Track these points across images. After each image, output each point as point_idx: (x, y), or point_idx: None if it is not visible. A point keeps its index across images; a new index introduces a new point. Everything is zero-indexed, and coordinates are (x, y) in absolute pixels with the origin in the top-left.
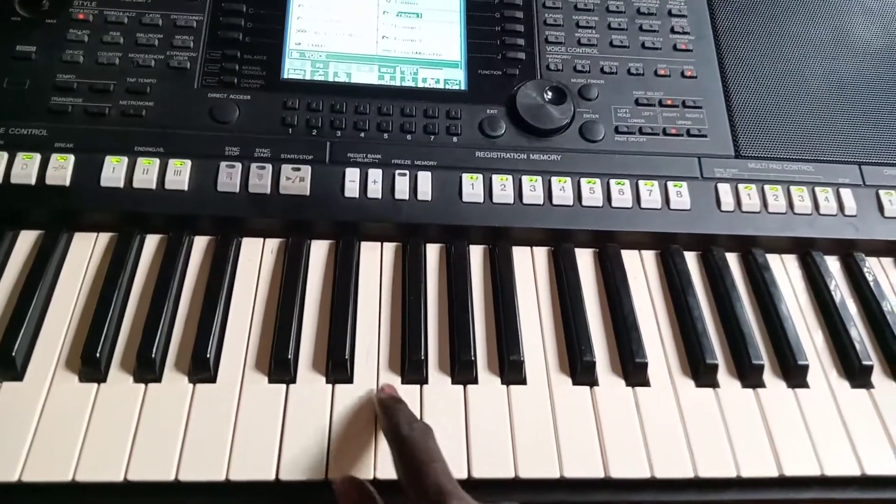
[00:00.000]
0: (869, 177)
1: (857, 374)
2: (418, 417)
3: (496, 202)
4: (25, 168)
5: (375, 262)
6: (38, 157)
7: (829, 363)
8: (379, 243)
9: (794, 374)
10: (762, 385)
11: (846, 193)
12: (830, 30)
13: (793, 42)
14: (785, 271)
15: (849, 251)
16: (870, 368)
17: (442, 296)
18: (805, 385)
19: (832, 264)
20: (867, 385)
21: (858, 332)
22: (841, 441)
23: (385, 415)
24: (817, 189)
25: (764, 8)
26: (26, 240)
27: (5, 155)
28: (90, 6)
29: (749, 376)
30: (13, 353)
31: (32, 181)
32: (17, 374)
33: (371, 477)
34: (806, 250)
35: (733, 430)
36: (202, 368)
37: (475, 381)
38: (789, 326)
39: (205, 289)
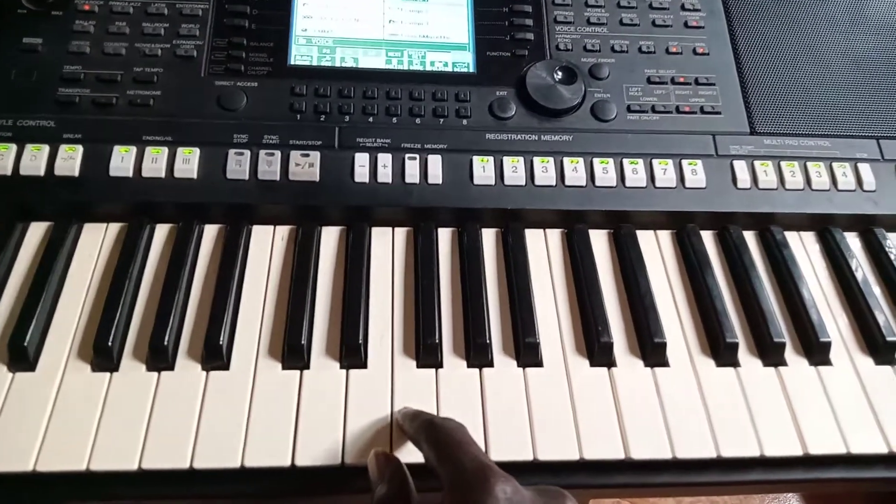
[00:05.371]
0: (888, 151)
1: (880, 351)
2: (434, 402)
3: (508, 184)
4: (34, 160)
5: (387, 246)
6: (46, 148)
7: (851, 340)
8: (390, 228)
9: (817, 352)
10: (784, 363)
11: (864, 168)
12: (844, 3)
13: (806, 16)
14: (804, 248)
15: (868, 226)
16: (894, 344)
17: (455, 280)
18: (828, 362)
19: (851, 240)
20: (892, 361)
21: (881, 307)
22: (866, 418)
23: (413, 419)
24: (835, 164)
25: None
26: (36, 232)
27: (14, 147)
28: None
29: (770, 354)
30: (25, 344)
31: (41, 173)
32: (29, 364)
33: None
34: (824, 227)
35: (755, 408)
36: (215, 355)
37: (491, 365)
38: (810, 303)
39: (216, 276)
